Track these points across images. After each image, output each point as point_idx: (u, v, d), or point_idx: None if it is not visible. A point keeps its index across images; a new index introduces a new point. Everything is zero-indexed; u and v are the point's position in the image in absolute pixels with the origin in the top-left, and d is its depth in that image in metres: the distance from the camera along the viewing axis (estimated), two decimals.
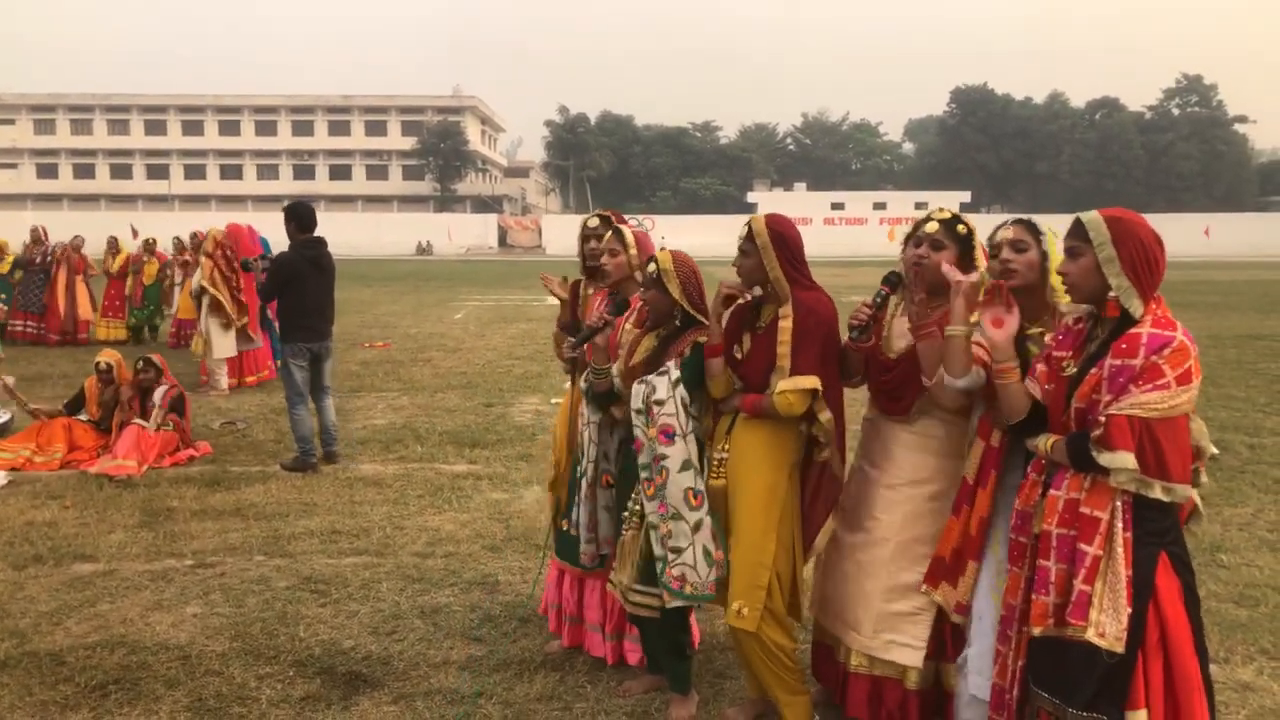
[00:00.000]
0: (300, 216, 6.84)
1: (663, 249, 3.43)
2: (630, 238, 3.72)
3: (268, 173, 79.13)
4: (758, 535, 3.11)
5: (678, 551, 3.12)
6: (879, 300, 3.02)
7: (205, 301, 9.86)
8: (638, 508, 3.30)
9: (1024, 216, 2.82)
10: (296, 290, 6.75)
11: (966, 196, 66.09)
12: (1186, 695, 2.35)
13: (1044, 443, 2.47)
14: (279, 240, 8.04)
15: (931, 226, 3.01)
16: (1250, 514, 5.74)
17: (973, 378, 2.74)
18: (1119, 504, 2.32)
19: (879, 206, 67.47)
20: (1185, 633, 2.37)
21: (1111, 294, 2.40)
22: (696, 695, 3.46)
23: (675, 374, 3.19)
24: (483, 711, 3.43)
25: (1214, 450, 2.74)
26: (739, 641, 3.17)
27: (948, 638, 3.02)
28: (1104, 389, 2.34)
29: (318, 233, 6.96)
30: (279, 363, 7.99)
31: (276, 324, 8.13)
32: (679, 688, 3.44)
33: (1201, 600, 2.52)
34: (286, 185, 76.73)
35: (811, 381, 3.04)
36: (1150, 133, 74.29)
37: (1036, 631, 2.39)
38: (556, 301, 4.19)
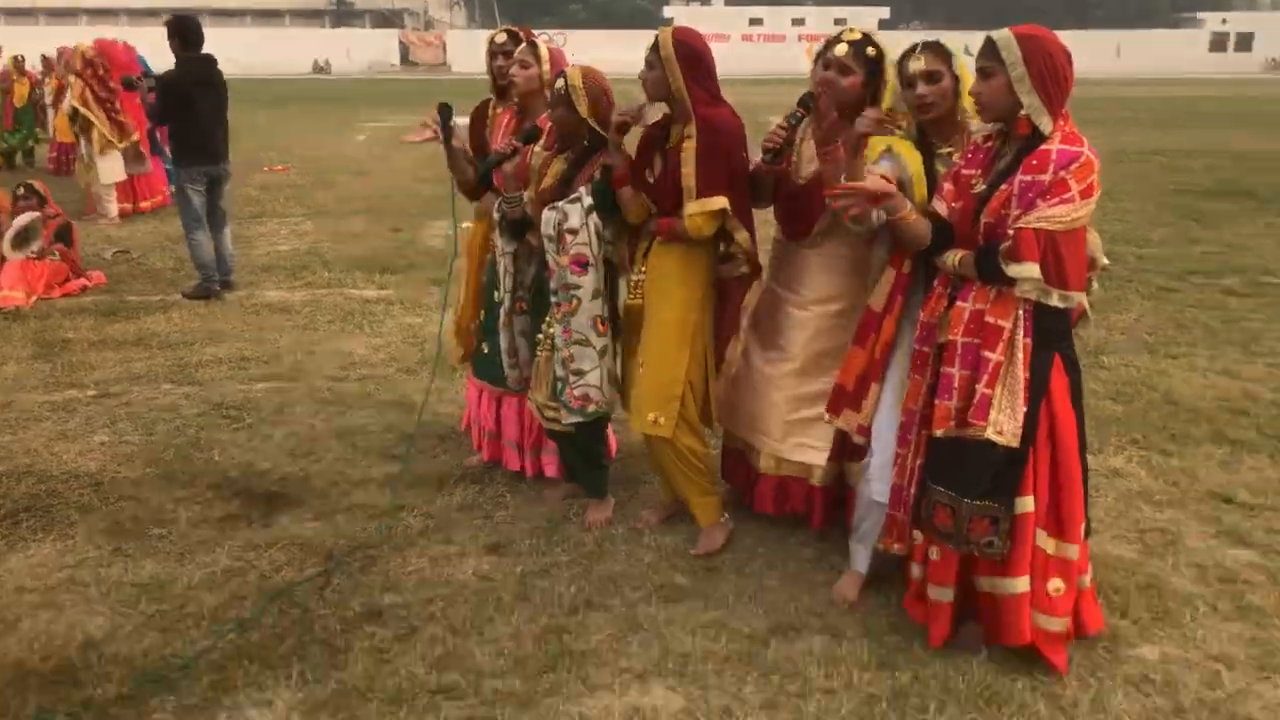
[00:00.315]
0: (184, 32, 6.34)
1: (573, 66, 3.28)
2: (544, 51, 3.57)
3: None
4: (672, 349, 3.18)
5: (580, 374, 3.23)
6: (793, 122, 2.96)
7: (78, 125, 9.20)
8: (552, 330, 3.34)
9: (933, 40, 2.76)
10: (187, 112, 6.36)
11: (885, 12, 64.63)
12: (1067, 482, 2.54)
13: (952, 258, 2.53)
14: (160, 61, 7.47)
15: (840, 49, 2.93)
16: (1133, 319, 6.07)
17: (871, 223, 2.75)
18: (1021, 313, 2.42)
19: (797, 22, 65.55)
20: (1071, 427, 2.54)
21: (1022, 112, 2.41)
22: (612, 499, 3.61)
23: (588, 200, 3.15)
24: (404, 523, 3.53)
25: (1105, 261, 2.85)
26: (653, 448, 3.29)
27: (849, 440, 3.18)
28: (1014, 204, 2.39)
29: (205, 50, 6.48)
30: (173, 188, 7.60)
31: (167, 148, 7.69)
32: (595, 492, 3.58)
33: (1084, 396, 2.69)
34: None
35: (719, 203, 3.02)
36: None
37: (939, 433, 2.51)
38: (463, 121, 4.00)
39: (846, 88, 2.94)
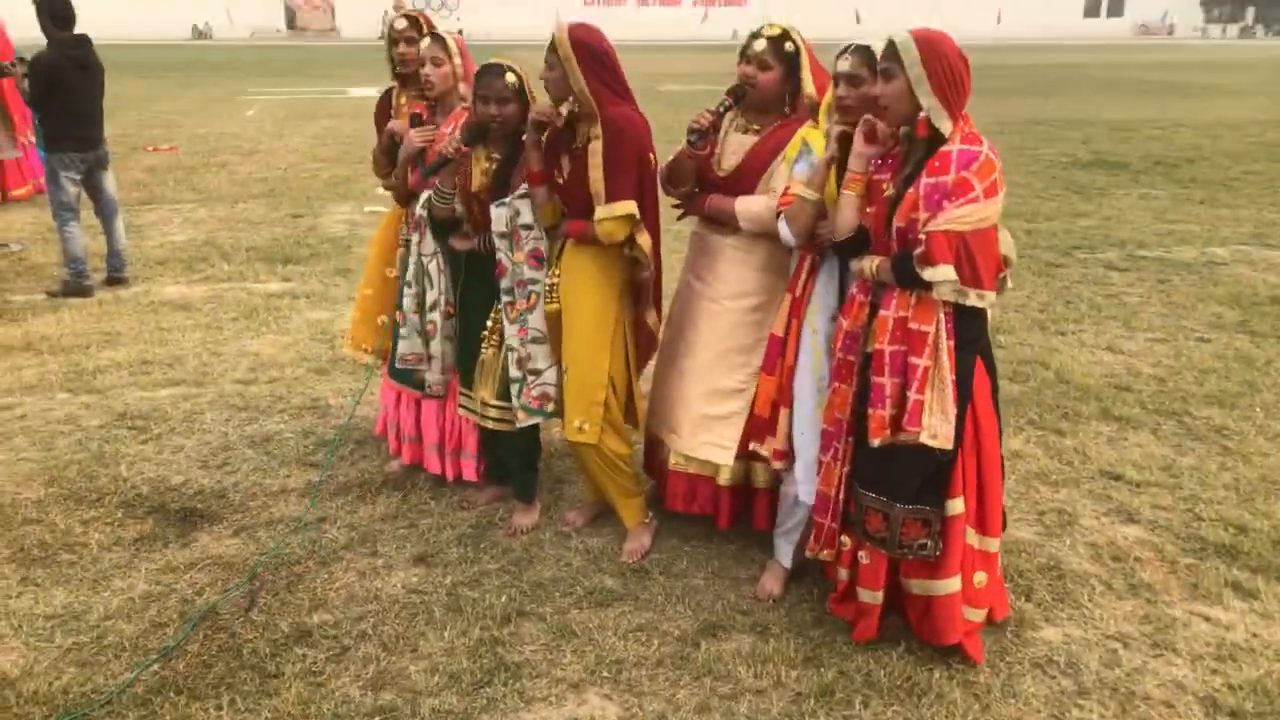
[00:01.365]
0: (55, 9, 5.99)
1: (511, 67, 3.22)
2: (454, 45, 3.50)
3: None
4: (592, 353, 3.20)
5: (537, 373, 3.23)
6: (722, 109, 3.02)
7: None
8: (498, 326, 3.32)
9: (864, 44, 2.83)
10: (61, 95, 6.03)
11: None
12: (990, 480, 2.66)
13: (869, 265, 2.59)
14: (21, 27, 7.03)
15: (759, 45, 3.00)
16: (1025, 296, 6.37)
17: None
18: (942, 316, 2.49)
19: None
20: (993, 426, 2.65)
21: (922, 114, 2.47)
22: (539, 503, 3.64)
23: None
24: (328, 536, 3.49)
25: (1015, 259, 2.91)
26: (578, 453, 3.33)
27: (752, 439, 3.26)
28: (921, 207, 2.46)
29: (79, 21, 6.15)
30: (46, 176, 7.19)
31: (31, 133, 7.22)
32: (524, 496, 3.60)
33: None
34: None
35: (628, 208, 3.03)
36: None
37: (876, 442, 2.56)
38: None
39: (765, 83, 3.02)
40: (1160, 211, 9.00)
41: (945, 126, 2.47)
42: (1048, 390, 4.80)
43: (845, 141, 2.72)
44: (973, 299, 2.47)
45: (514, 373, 3.27)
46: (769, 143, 3.08)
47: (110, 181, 6.53)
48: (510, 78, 3.14)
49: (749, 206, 3.07)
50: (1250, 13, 68.95)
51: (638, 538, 3.40)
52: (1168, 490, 3.79)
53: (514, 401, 3.28)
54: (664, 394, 3.39)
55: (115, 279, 6.51)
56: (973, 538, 2.68)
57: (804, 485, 2.96)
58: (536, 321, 3.22)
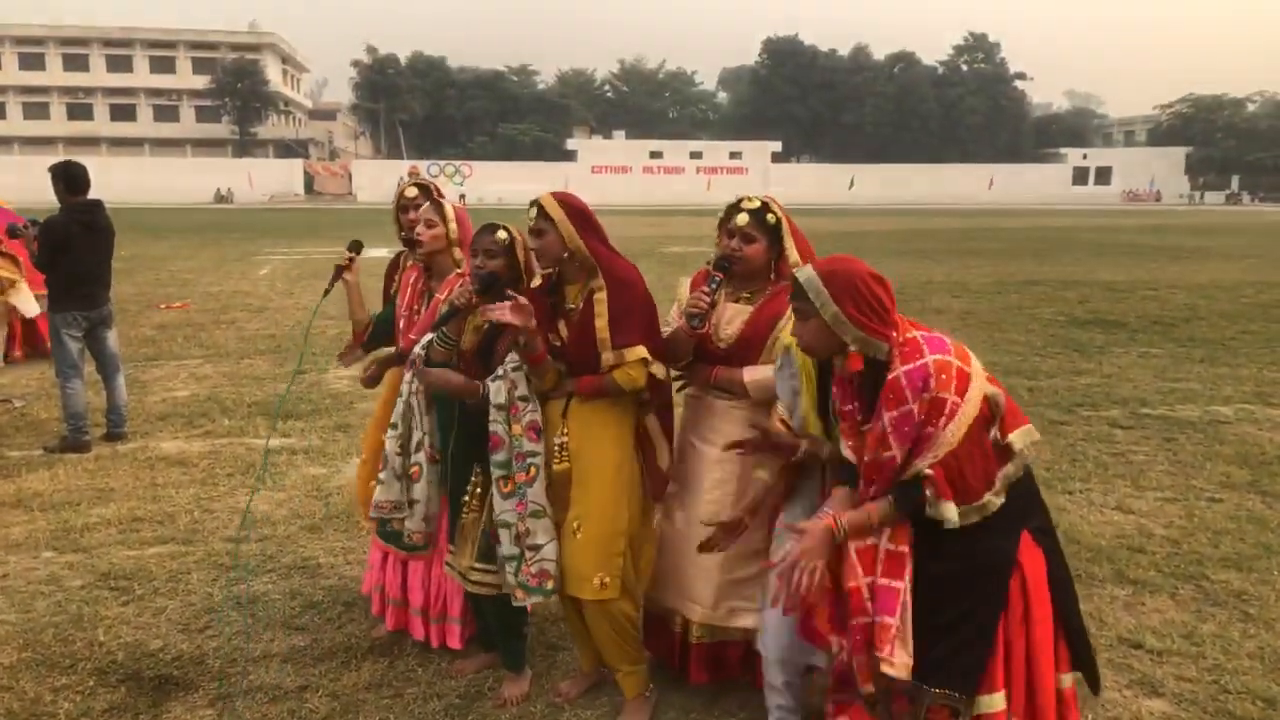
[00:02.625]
0: (70, 177, 6.24)
1: (504, 226, 3.30)
2: (450, 211, 3.62)
3: (36, 111, 71.48)
4: (611, 506, 3.09)
5: (536, 549, 3.07)
6: (714, 286, 3.06)
7: None
8: (479, 490, 3.24)
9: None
10: (68, 256, 6.21)
11: (778, 146, 68.26)
12: (1041, 669, 2.42)
13: (868, 522, 2.41)
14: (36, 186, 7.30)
15: (741, 219, 3.07)
16: (1031, 455, 6.28)
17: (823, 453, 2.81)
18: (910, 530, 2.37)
19: (695, 155, 68.61)
20: (1046, 609, 2.43)
21: (851, 349, 2.39)
22: (530, 672, 3.47)
23: None
24: (309, 706, 3.31)
25: (1036, 436, 2.60)
26: (588, 614, 3.16)
27: None
28: (893, 444, 2.33)
29: (97, 185, 6.42)
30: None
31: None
32: (513, 665, 3.44)
33: None
34: (59, 125, 69.72)
35: (639, 353, 3.02)
36: (942, 87, 79.11)
37: (868, 690, 2.39)
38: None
39: (750, 255, 3.07)
40: (1161, 370, 9.04)
41: (880, 351, 2.37)
42: None
43: (823, 368, 2.66)
44: (973, 516, 2.34)
45: (510, 550, 3.10)
46: (765, 312, 3.11)
47: (113, 339, 6.62)
48: (501, 234, 3.20)
49: (758, 377, 3.07)
50: (1235, 180, 71.72)
51: (637, 712, 3.22)
52: (1191, 660, 3.62)
53: (510, 579, 3.11)
54: (674, 565, 3.26)
55: (114, 434, 6.50)
56: None
57: (771, 638, 2.88)
58: (536, 495, 3.09)
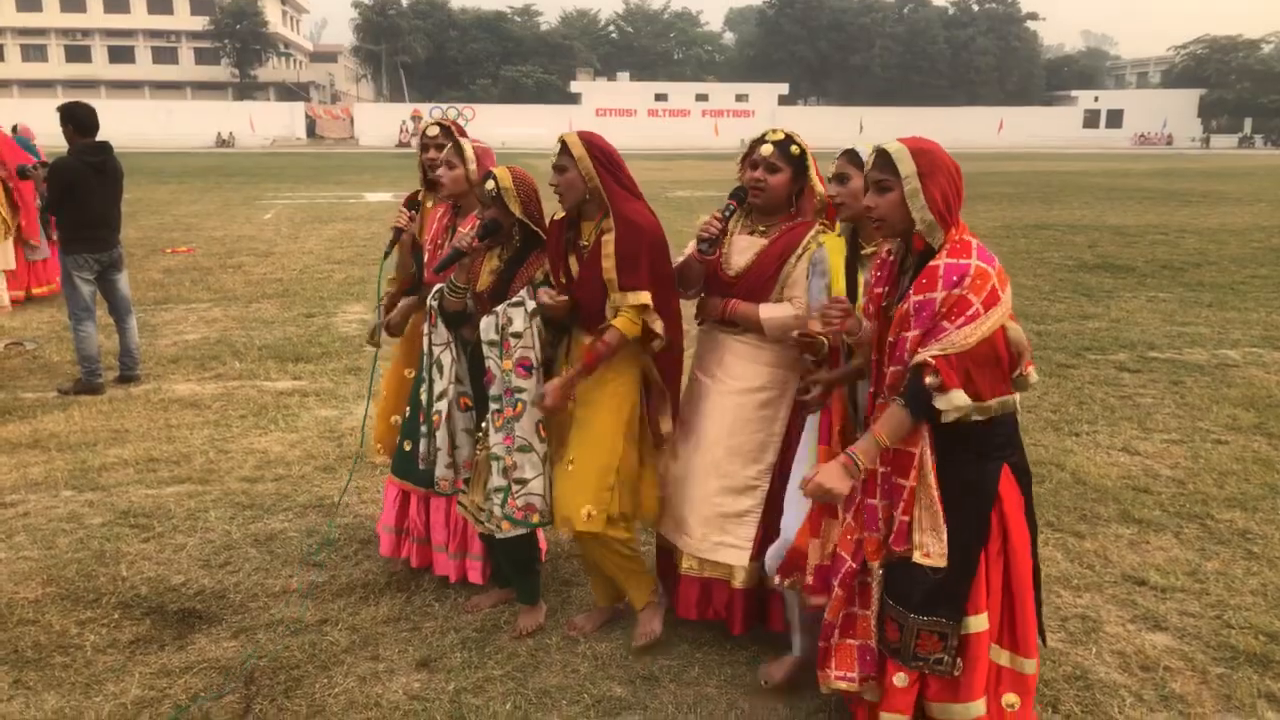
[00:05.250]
0: (79, 119, 6.20)
1: (500, 167, 3.32)
2: (470, 151, 3.61)
3: (34, 54, 70.57)
4: (607, 439, 3.15)
5: (522, 483, 3.14)
6: (727, 214, 3.07)
7: None
8: (489, 432, 3.28)
9: (851, 148, 2.88)
10: (77, 198, 6.19)
11: (784, 88, 67.25)
12: (1021, 595, 2.52)
13: (884, 434, 2.44)
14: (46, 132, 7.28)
15: (766, 150, 3.07)
16: (1037, 397, 6.32)
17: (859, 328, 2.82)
18: (926, 435, 2.40)
19: (701, 98, 67.61)
20: (1025, 538, 2.52)
21: (917, 228, 2.38)
22: (544, 605, 3.55)
23: (531, 304, 3.15)
24: (329, 638, 3.39)
25: (1028, 345, 2.69)
26: (584, 545, 3.25)
27: (771, 539, 3.19)
28: (910, 323, 2.37)
29: (102, 126, 6.38)
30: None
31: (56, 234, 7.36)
32: (527, 599, 3.51)
33: None
34: (57, 68, 68.89)
35: (642, 298, 3.04)
36: (953, 28, 77.50)
37: (875, 565, 2.50)
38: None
39: (775, 185, 3.07)
40: (1169, 314, 9.02)
41: (938, 240, 2.38)
42: (1064, 492, 4.72)
43: (850, 265, 2.72)
44: (975, 414, 2.36)
45: (498, 481, 3.18)
46: (777, 245, 3.12)
47: (124, 282, 6.63)
48: (489, 184, 3.23)
49: (774, 315, 3.08)
50: (1248, 123, 70.65)
51: (648, 621, 3.31)
52: (1194, 596, 3.68)
53: (497, 511, 3.19)
54: (672, 495, 3.32)
55: (127, 377, 6.55)
56: (1002, 656, 2.53)
57: (773, 560, 2.95)
58: (524, 430, 3.15)
